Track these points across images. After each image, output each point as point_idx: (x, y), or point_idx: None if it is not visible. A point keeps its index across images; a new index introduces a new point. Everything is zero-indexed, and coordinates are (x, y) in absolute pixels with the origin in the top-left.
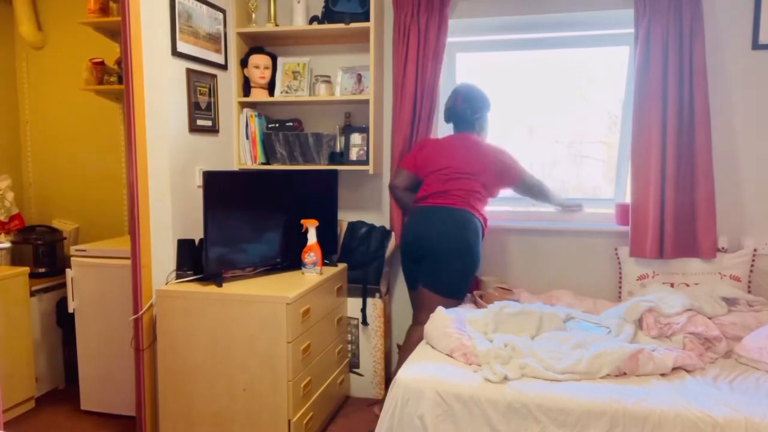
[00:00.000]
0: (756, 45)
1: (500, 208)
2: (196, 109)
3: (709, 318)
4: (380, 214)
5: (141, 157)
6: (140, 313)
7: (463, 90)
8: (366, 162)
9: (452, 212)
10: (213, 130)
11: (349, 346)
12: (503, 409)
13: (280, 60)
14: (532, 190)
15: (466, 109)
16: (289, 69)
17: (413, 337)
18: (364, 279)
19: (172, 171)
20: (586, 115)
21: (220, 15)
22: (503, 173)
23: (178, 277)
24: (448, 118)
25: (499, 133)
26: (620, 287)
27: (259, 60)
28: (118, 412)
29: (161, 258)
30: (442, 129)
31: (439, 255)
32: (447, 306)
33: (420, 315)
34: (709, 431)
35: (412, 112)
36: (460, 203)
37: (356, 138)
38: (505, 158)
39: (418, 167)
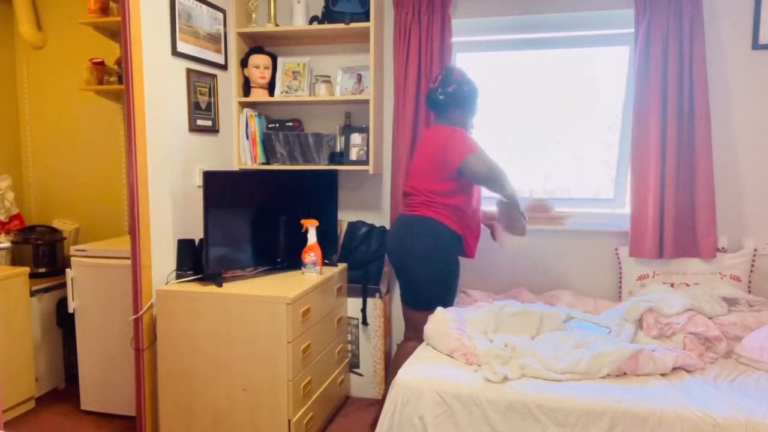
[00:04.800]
0: (756, 45)
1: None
2: (196, 108)
3: (710, 318)
4: (380, 214)
5: (141, 157)
6: (140, 313)
7: (444, 73)
8: (366, 162)
9: (407, 220)
10: (213, 130)
11: (349, 346)
12: (503, 409)
13: (280, 60)
14: (485, 183)
15: (439, 95)
16: (289, 69)
17: (400, 352)
18: (364, 279)
19: (172, 171)
20: (586, 115)
21: (220, 15)
22: (445, 157)
23: (178, 277)
24: (426, 104)
25: (498, 133)
26: (620, 287)
27: (259, 60)
28: (118, 412)
29: (161, 258)
30: None
31: (403, 268)
32: (423, 320)
33: (406, 330)
34: (710, 431)
35: (414, 112)
36: (416, 208)
37: (356, 138)
38: (450, 140)
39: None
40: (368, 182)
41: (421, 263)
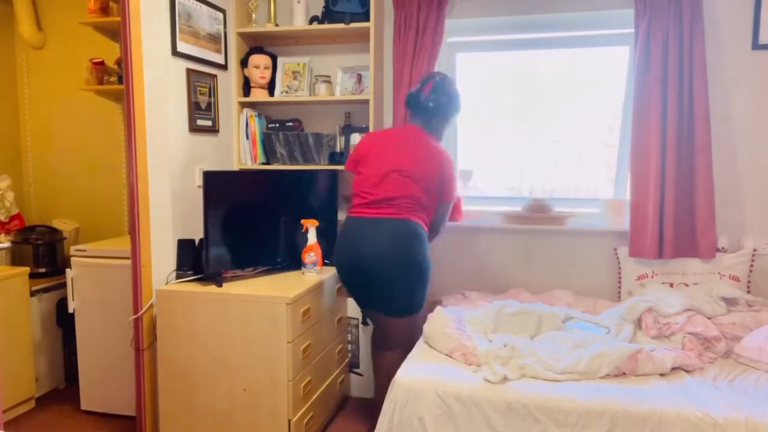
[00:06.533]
0: (756, 45)
1: (499, 208)
2: (196, 109)
3: (709, 318)
4: None
5: (141, 157)
6: (140, 313)
7: (437, 79)
8: None
9: (397, 225)
10: (213, 130)
11: (349, 346)
12: (503, 410)
13: (280, 60)
14: (443, 218)
15: (429, 101)
16: (289, 69)
17: (384, 363)
18: None
19: (172, 171)
20: (587, 114)
21: (220, 15)
22: (443, 186)
23: (178, 277)
24: (408, 103)
25: (498, 133)
26: (620, 287)
27: (259, 60)
28: (118, 412)
29: (161, 258)
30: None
31: (390, 278)
32: (407, 324)
33: (387, 341)
34: (709, 431)
35: None
36: (405, 212)
37: (356, 138)
38: (451, 170)
39: (357, 162)
40: None
41: (420, 269)
